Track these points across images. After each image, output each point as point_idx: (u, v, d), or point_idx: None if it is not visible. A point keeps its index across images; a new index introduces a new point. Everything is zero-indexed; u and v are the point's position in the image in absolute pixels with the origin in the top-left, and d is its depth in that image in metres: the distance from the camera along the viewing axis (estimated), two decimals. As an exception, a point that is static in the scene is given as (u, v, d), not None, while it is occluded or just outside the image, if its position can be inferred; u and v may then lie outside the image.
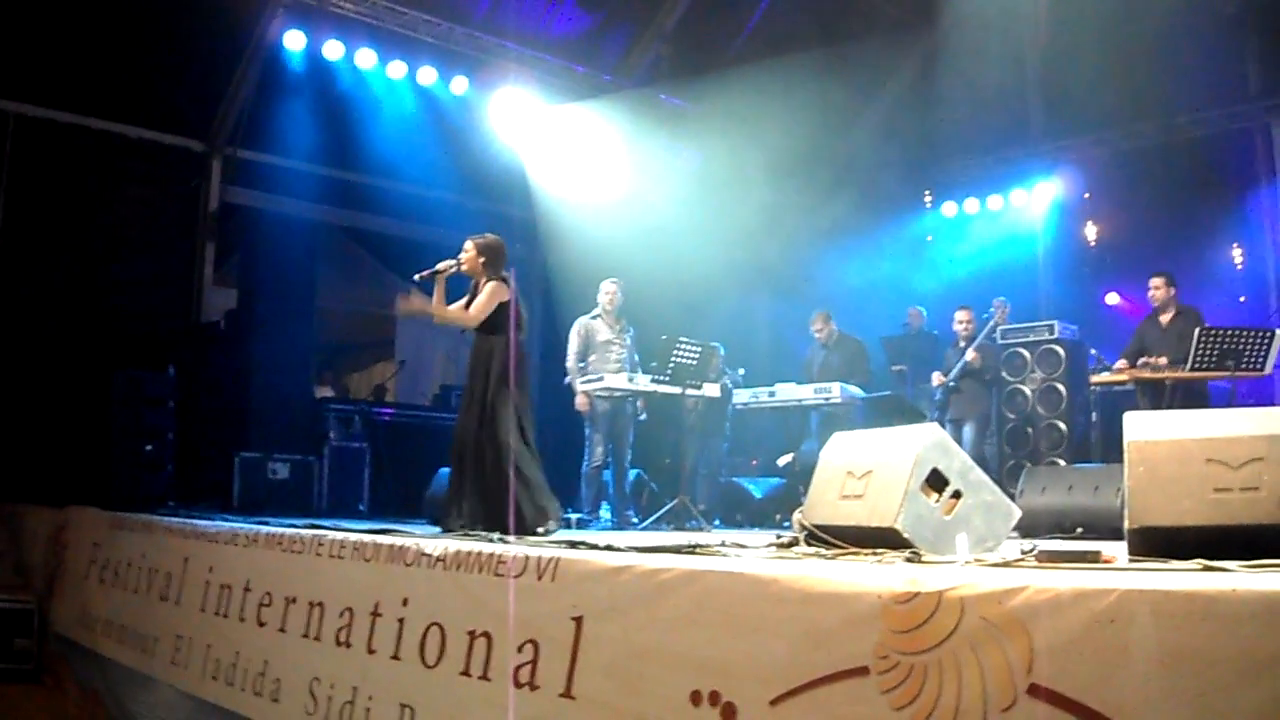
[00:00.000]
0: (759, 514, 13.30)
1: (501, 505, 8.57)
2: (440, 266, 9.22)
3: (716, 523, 12.64)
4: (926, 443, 5.43)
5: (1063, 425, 12.94)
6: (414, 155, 15.83)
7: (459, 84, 16.03)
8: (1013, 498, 7.73)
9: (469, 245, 9.29)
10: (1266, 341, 11.05)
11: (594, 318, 12.83)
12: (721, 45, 17.72)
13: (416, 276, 9.41)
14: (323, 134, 15.57)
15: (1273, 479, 4.61)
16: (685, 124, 17.41)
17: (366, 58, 15.35)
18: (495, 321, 9.14)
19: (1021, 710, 3.76)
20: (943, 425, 12.94)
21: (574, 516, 11.67)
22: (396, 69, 15.59)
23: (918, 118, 18.00)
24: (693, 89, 17.11)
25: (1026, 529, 9.06)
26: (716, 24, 17.63)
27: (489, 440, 8.92)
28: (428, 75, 15.81)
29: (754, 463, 15.38)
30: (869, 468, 5.65)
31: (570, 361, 12.68)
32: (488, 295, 9.11)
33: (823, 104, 16.06)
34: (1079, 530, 8.82)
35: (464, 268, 9.24)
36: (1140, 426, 4.94)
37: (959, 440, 12.78)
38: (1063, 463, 12.34)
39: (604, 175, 16.38)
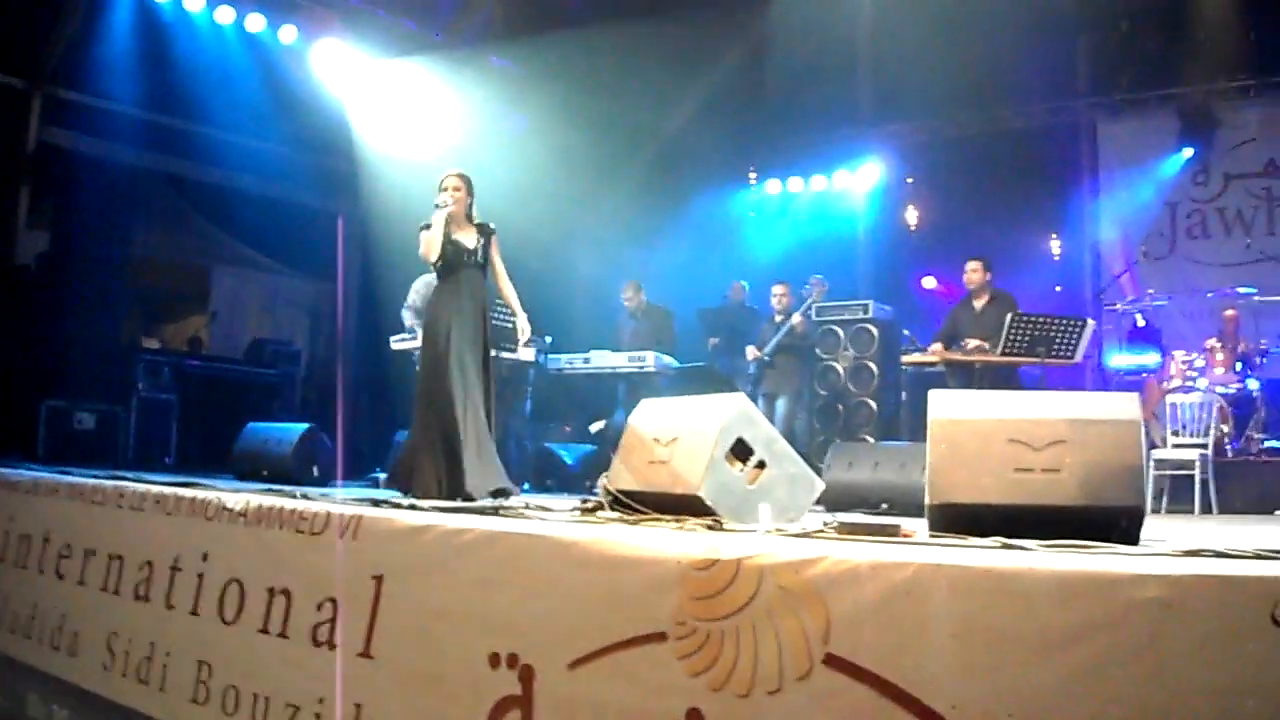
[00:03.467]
0: (571, 480, 13.25)
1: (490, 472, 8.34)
2: (445, 210, 8.72)
3: (525, 487, 12.58)
4: (732, 413, 5.46)
5: (873, 403, 13.13)
6: (240, 104, 15.44)
7: (287, 33, 15.64)
8: (821, 473, 7.81)
9: (458, 181, 8.87)
10: (1077, 330, 11.24)
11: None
12: (554, 10, 17.61)
13: (422, 225, 8.83)
14: (148, 77, 15.03)
15: (1074, 461, 4.70)
16: (514, 87, 17.24)
17: (195, 0, 14.99)
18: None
19: (818, 679, 3.81)
20: (756, 399, 13.06)
21: (381, 477, 11.58)
22: (224, 14, 15.21)
23: (747, 93, 18.06)
24: (523, 52, 16.96)
25: (832, 504, 9.13)
26: (548, -11, 17.54)
27: (481, 400, 8.64)
28: (256, 22, 15.39)
29: (567, 429, 15.38)
30: (675, 435, 5.67)
31: (407, 318, 12.50)
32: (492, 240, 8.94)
33: (652, 75, 16.06)
34: (884, 506, 8.92)
35: (454, 208, 8.75)
36: (944, 405, 5.01)
37: (771, 415, 12.88)
38: (872, 440, 12.50)
39: (430, 133, 16.20)
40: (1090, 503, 4.66)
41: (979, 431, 4.86)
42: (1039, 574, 3.63)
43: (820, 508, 9.48)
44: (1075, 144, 17.62)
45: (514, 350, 11.75)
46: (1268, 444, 13.15)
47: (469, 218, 8.90)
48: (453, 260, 8.73)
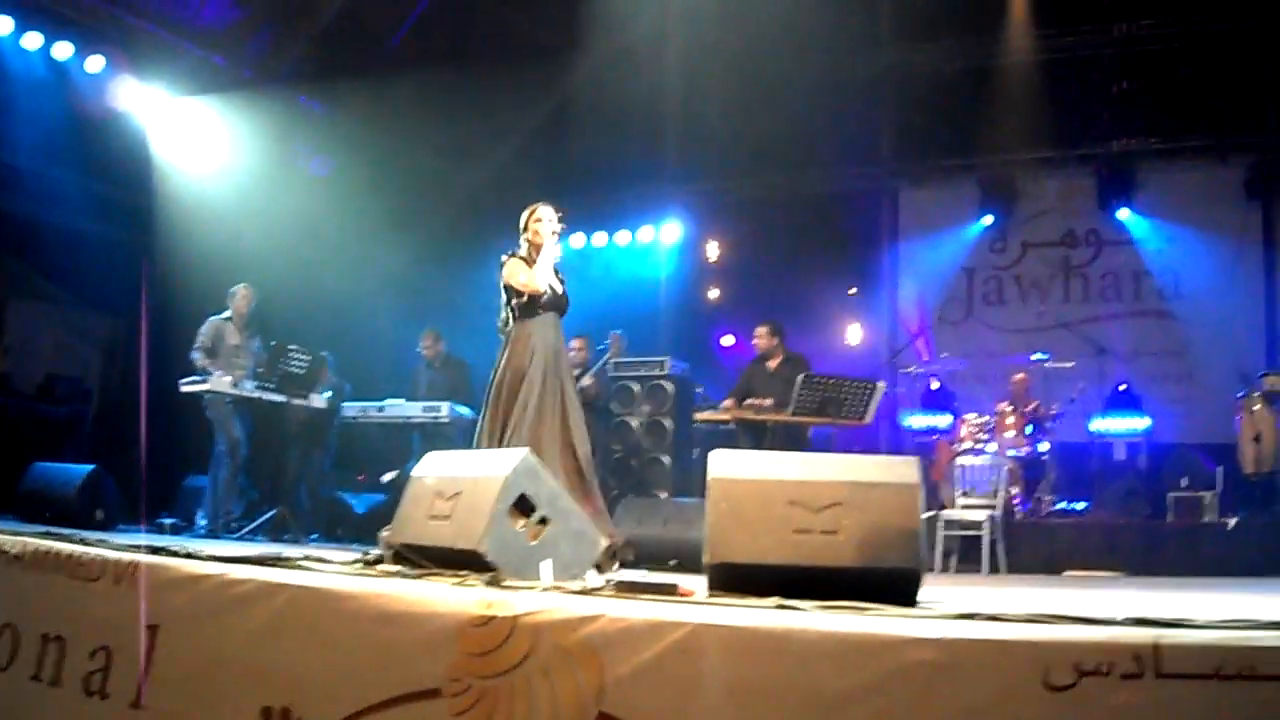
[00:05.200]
0: (361, 529, 13.06)
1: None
2: (557, 245, 8.72)
3: (315, 537, 12.43)
4: (516, 467, 5.42)
5: (666, 459, 13.15)
6: (41, 133, 15.10)
7: (94, 62, 15.33)
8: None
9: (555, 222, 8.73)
10: (868, 392, 11.41)
11: (225, 320, 12.61)
12: (366, 53, 17.49)
13: (513, 254, 8.77)
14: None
15: (852, 523, 4.75)
16: (323, 129, 17.12)
17: (3, 24, 14.62)
18: None
19: (590, 739, 3.78)
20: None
21: (169, 522, 11.38)
22: (31, 40, 14.85)
23: (553, 146, 18.10)
24: (335, 94, 16.84)
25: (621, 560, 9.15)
26: (366, 31, 17.39)
27: (577, 447, 8.53)
28: (63, 50, 15.11)
29: (360, 478, 15.22)
30: (458, 489, 5.62)
31: (197, 359, 12.29)
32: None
33: (460, 124, 16.04)
34: (673, 563, 8.94)
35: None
36: (724, 464, 5.03)
37: (563, 469, 12.91)
38: (665, 495, 12.54)
39: (235, 173, 15.99)
40: (868, 564, 4.70)
41: (759, 492, 4.87)
42: (813, 635, 3.65)
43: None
44: (878, 209, 18.01)
45: (305, 398, 11.63)
46: (1057, 505, 13.46)
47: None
48: (548, 300, 8.58)
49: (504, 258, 8.75)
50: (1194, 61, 16.30)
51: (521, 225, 8.82)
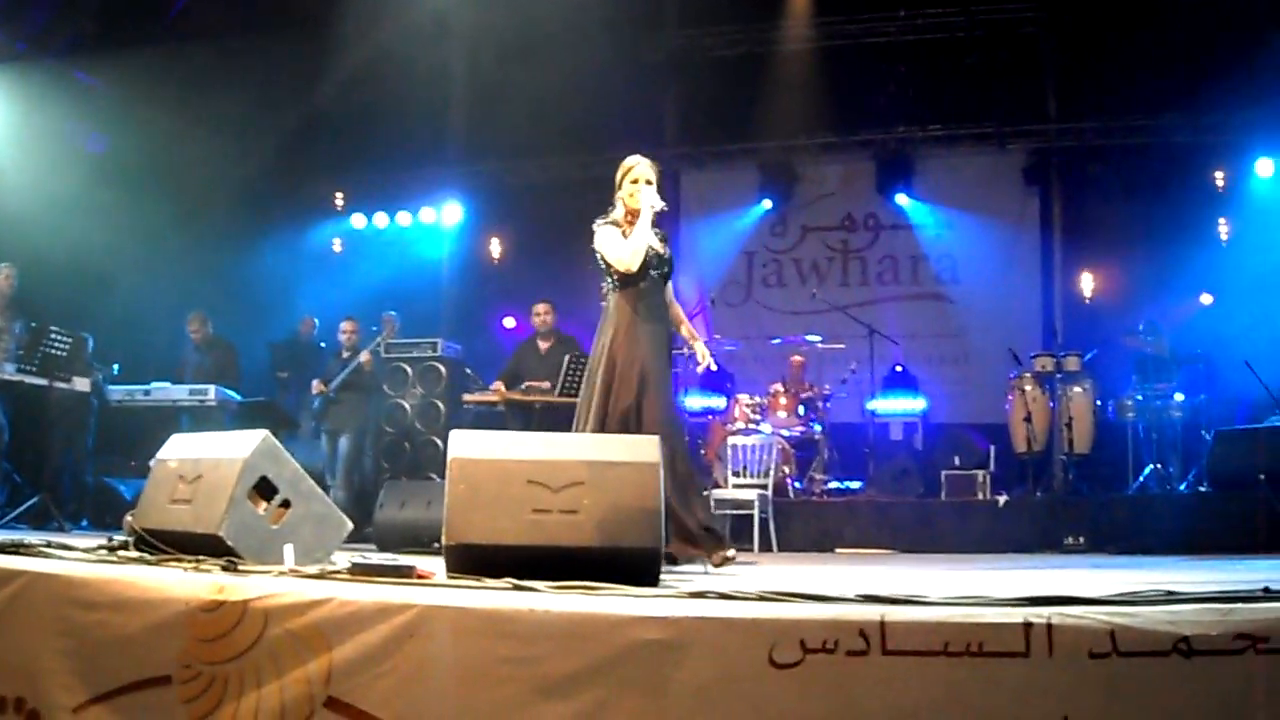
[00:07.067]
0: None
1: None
2: (654, 210, 7.64)
3: (84, 524, 12.14)
4: (256, 450, 5.33)
5: (439, 441, 13.03)
6: None
7: None
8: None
9: (655, 173, 7.84)
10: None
11: None
12: (148, 27, 17.06)
13: (606, 221, 7.84)
14: None
15: (592, 503, 4.74)
16: (101, 105, 16.69)
17: None
18: None
19: (319, 724, 3.74)
20: (320, 435, 12.93)
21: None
22: None
23: (337, 126, 17.88)
24: (113, 70, 16.42)
25: (384, 542, 9.10)
26: (145, 5, 16.98)
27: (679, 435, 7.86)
28: None
29: (132, 463, 14.90)
30: (199, 472, 5.52)
31: None
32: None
33: (241, 101, 15.77)
34: (436, 545, 8.90)
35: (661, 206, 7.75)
36: (464, 444, 4.99)
37: (334, 451, 12.83)
38: (437, 478, 12.48)
39: (2, 148, 15.52)
40: (607, 544, 4.71)
41: (497, 472, 4.84)
42: (543, 616, 3.64)
43: (371, 547, 9.46)
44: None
45: (69, 381, 11.34)
46: (831, 485, 13.64)
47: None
48: (645, 269, 7.74)
49: (596, 224, 7.86)
50: (975, 50, 16.59)
51: (616, 183, 7.92)
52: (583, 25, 14.83)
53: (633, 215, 7.68)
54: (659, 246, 7.79)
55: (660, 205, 7.65)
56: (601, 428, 7.51)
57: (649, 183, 7.70)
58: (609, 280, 7.85)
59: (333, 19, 16.14)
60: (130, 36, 16.43)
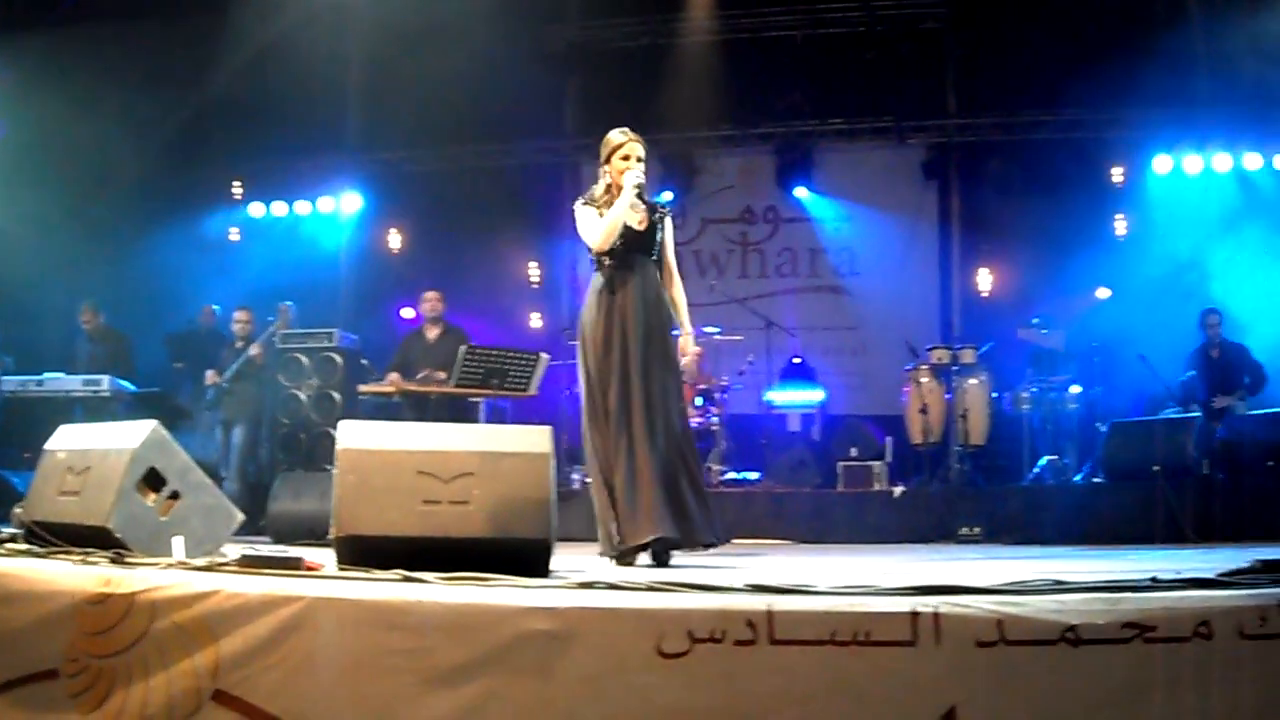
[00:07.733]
0: (25, 508, 12.67)
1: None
2: (638, 186, 7.37)
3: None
4: (144, 441, 5.30)
5: (335, 433, 12.92)
6: None
7: None
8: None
9: (644, 149, 7.61)
10: (532, 364, 11.51)
11: None
12: (38, 11, 16.81)
13: (584, 201, 7.66)
14: None
15: (482, 494, 4.75)
16: (-8, 90, 16.44)
17: None
18: None
19: (206, 717, 3.74)
20: (214, 426, 12.84)
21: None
22: None
23: (232, 115, 17.69)
24: (8, 52, 16.19)
25: (278, 534, 9.04)
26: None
27: (685, 427, 7.64)
28: None
29: (26, 455, 14.72)
30: (88, 464, 5.47)
31: None
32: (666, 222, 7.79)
33: (135, 85, 15.57)
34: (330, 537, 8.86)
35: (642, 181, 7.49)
36: (353, 435, 5.00)
37: (228, 443, 12.76)
38: (332, 470, 12.38)
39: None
40: (498, 535, 4.73)
41: (387, 462, 4.85)
42: (431, 607, 3.66)
43: (266, 539, 9.40)
44: (559, 182, 17.95)
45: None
46: (728, 475, 13.66)
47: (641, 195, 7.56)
48: (622, 248, 7.49)
49: (576, 204, 7.71)
50: (876, 45, 16.67)
51: (603, 158, 7.75)
52: (484, 14, 14.76)
53: (618, 190, 7.48)
54: (636, 224, 7.50)
55: (639, 181, 7.40)
56: (591, 404, 7.61)
57: (639, 160, 7.54)
58: (596, 259, 7.66)
59: (229, 4, 16.00)
60: (21, 19, 16.19)
